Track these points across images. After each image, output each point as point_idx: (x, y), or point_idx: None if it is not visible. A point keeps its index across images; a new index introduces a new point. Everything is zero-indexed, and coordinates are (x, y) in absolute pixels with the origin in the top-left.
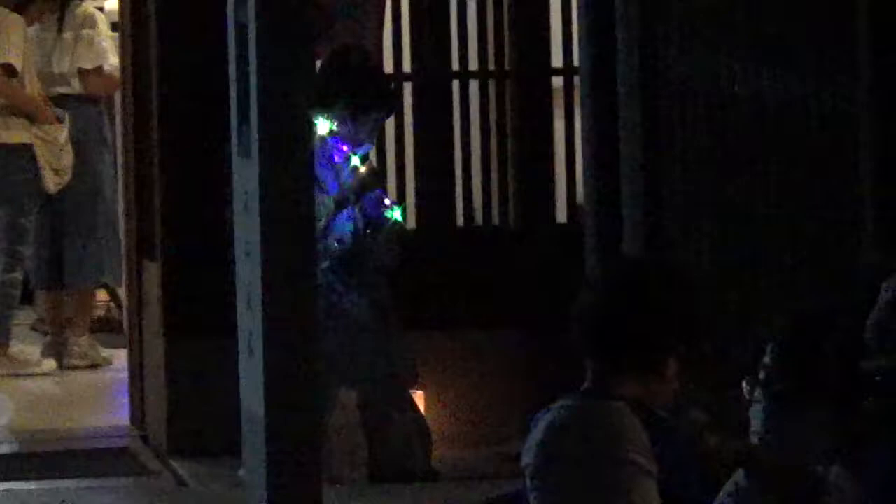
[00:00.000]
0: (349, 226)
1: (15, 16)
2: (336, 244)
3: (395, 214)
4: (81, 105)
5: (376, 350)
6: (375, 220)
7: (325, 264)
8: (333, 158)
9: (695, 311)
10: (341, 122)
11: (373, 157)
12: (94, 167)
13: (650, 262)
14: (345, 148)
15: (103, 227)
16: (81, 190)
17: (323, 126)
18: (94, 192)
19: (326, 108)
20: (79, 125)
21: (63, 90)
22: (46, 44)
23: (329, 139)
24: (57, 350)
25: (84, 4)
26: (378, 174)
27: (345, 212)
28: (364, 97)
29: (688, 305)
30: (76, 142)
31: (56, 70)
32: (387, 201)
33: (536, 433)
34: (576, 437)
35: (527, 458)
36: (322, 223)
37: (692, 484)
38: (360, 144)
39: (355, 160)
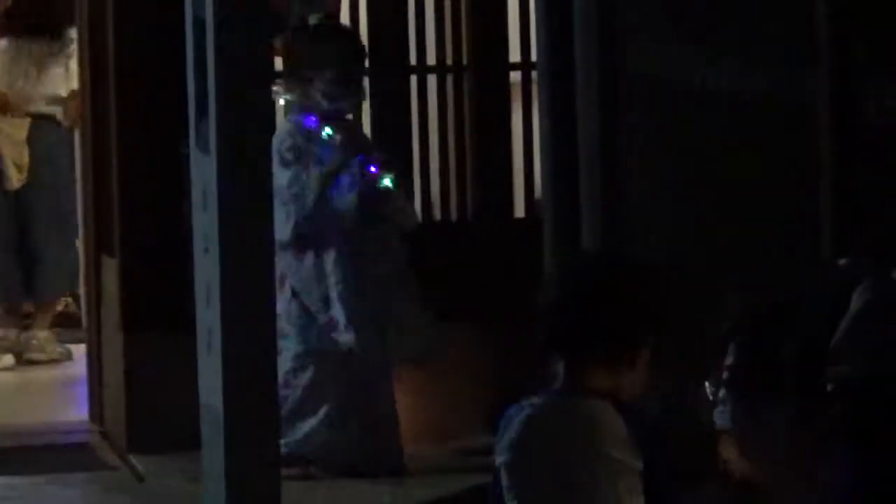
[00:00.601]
0: (353, 192)
1: None
2: (348, 209)
3: (386, 182)
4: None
5: (408, 324)
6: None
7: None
8: (320, 132)
9: (663, 303)
10: (327, 91)
11: None
12: (62, 168)
13: (617, 254)
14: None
15: (73, 231)
16: (47, 192)
17: (303, 100)
18: (61, 194)
19: (316, 73)
20: (44, 128)
21: (45, 111)
22: (40, 62)
23: (310, 115)
24: (14, 344)
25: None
26: (368, 141)
27: (342, 178)
28: (354, 64)
29: (657, 297)
30: (45, 143)
31: (42, 91)
32: (373, 169)
33: (511, 431)
34: (555, 436)
35: (501, 457)
36: (312, 197)
37: (670, 477)
38: (344, 114)
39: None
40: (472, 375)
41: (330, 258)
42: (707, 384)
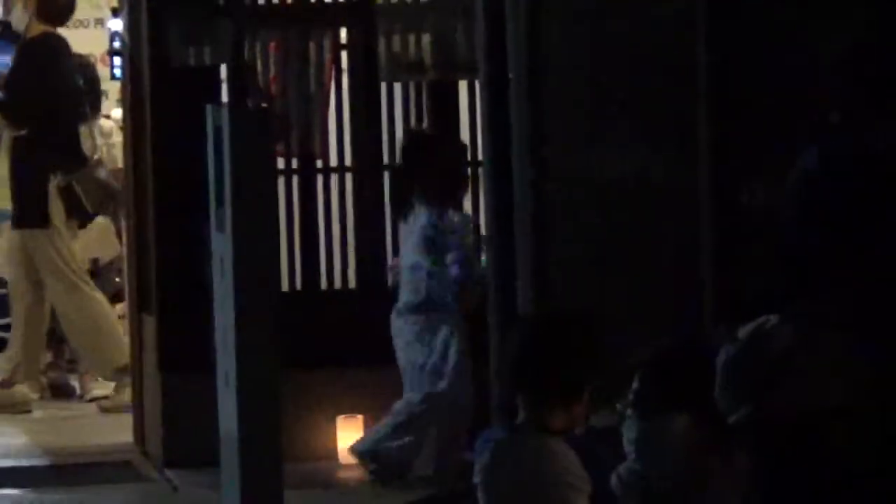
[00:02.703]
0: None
1: None
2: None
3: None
4: None
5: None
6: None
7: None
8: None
9: (603, 350)
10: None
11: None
12: None
13: (565, 314)
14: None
15: None
16: None
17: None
18: None
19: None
20: None
21: None
22: None
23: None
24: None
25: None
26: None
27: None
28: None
29: (598, 346)
30: None
31: None
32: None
33: (483, 458)
34: (522, 469)
35: (477, 478)
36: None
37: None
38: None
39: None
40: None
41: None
42: (617, 405)
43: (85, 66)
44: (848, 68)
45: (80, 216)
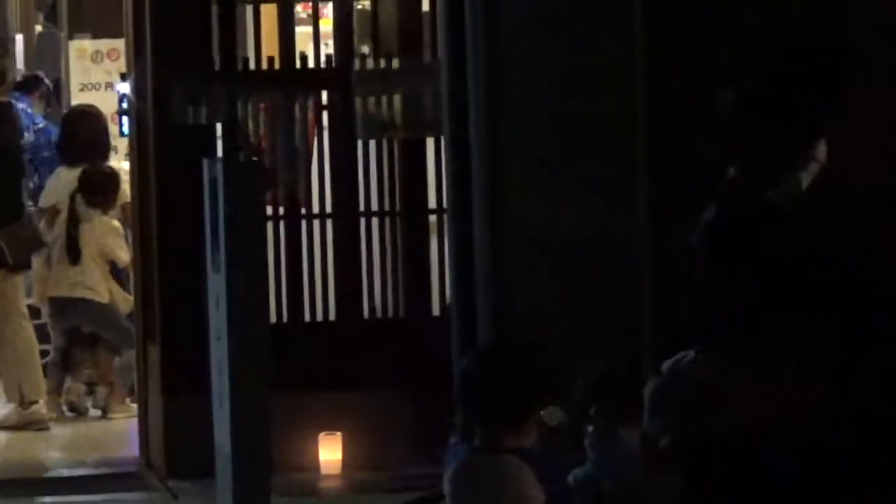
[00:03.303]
0: None
1: None
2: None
3: None
4: None
5: None
6: None
7: None
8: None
9: (548, 376)
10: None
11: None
12: None
13: (511, 347)
14: None
15: None
16: None
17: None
18: None
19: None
20: None
21: None
22: None
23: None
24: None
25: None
26: None
27: None
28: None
29: (543, 372)
30: None
31: None
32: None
33: (448, 473)
34: (484, 486)
35: (446, 487)
36: None
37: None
38: None
39: None
40: (407, 432)
41: None
42: (562, 419)
43: (93, 117)
44: (736, 119)
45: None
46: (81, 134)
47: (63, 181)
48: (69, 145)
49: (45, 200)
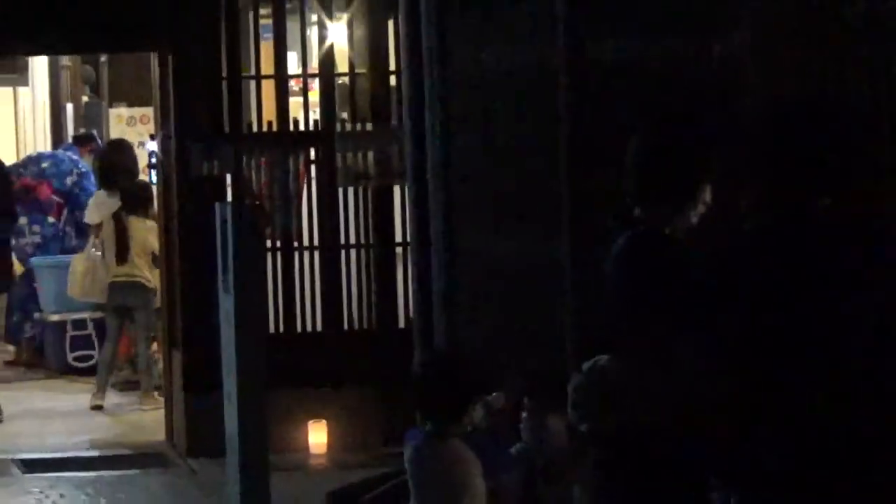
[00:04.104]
0: None
1: None
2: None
3: None
4: None
5: None
6: None
7: None
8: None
9: (485, 377)
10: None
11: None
12: None
13: (455, 355)
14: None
15: None
16: None
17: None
18: None
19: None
20: None
21: None
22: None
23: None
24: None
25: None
26: None
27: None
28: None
29: (480, 375)
30: None
31: None
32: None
33: (407, 453)
34: (430, 465)
35: (406, 465)
36: None
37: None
38: None
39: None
40: (380, 420)
41: None
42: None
43: (125, 147)
44: (639, 172)
45: None
46: (117, 161)
47: (102, 200)
48: (108, 171)
49: (91, 217)
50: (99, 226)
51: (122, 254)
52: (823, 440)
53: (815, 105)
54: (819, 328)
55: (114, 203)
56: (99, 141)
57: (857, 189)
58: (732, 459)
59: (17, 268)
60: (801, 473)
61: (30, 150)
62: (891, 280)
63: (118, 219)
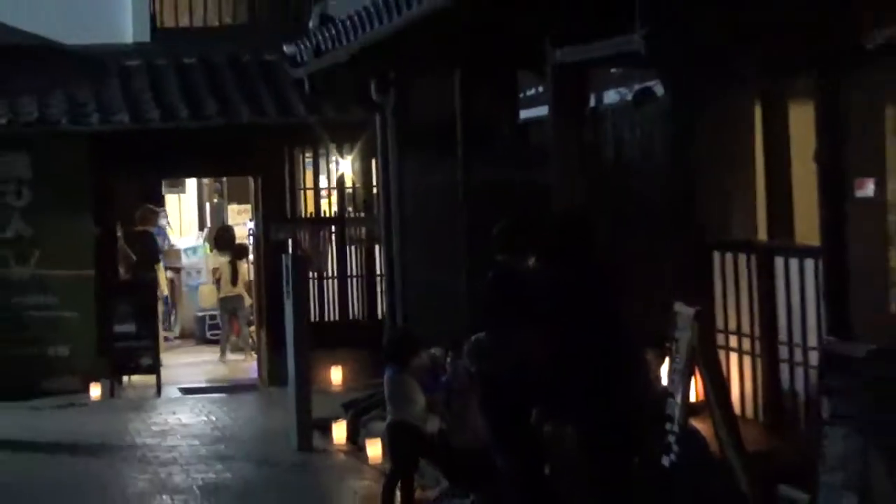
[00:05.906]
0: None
1: None
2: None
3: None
4: None
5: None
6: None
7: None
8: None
9: (420, 343)
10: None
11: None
12: None
13: (405, 331)
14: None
15: None
16: None
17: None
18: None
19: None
20: None
21: None
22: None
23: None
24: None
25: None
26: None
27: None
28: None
29: (418, 340)
30: None
31: None
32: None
33: (384, 382)
34: (394, 390)
35: (384, 390)
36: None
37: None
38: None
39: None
40: (368, 370)
41: None
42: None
43: (228, 229)
44: (497, 237)
45: None
46: (222, 237)
47: (215, 256)
48: (219, 240)
49: (210, 265)
50: (216, 269)
51: (234, 280)
52: (586, 380)
53: (566, 219)
54: (581, 321)
55: (222, 258)
56: (234, 231)
57: (591, 255)
58: (543, 388)
59: (163, 288)
60: (576, 397)
61: (186, 230)
62: (605, 293)
63: (233, 263)
